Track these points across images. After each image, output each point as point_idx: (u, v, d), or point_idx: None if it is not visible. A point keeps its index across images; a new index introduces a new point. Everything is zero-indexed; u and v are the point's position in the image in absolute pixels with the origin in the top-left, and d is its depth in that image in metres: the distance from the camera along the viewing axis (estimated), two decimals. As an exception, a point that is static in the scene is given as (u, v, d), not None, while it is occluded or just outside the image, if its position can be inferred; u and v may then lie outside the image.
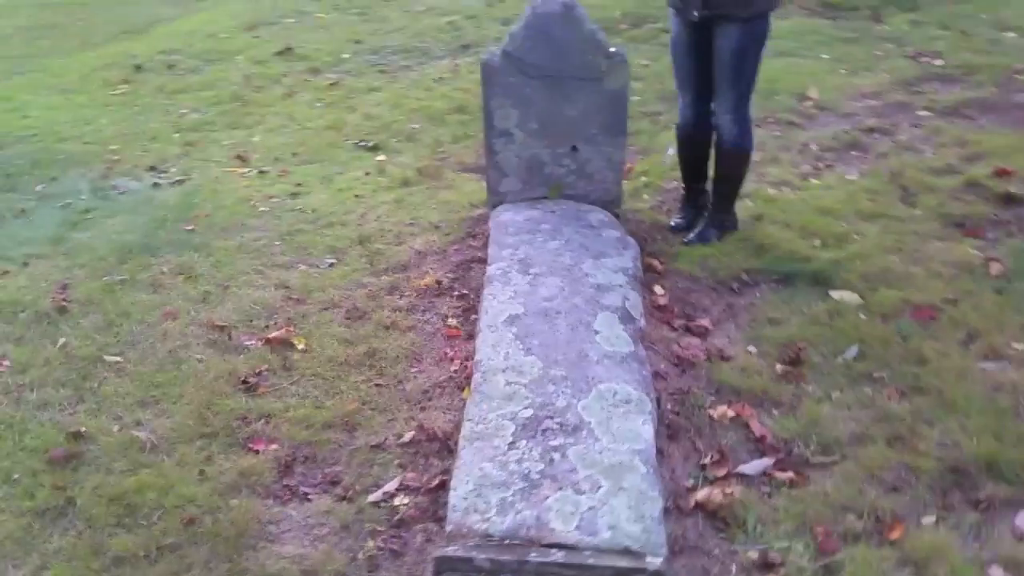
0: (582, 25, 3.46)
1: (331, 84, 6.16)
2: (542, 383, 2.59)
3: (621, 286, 3.07)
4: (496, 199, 3.81)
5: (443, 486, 2.32)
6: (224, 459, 2.52)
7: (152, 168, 4.82)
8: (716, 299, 3.23)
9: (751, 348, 2.93)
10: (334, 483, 2.43)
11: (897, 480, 2.32)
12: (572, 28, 3.46)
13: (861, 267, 3.30)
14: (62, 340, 3.13)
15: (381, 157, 4.78)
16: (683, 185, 3.83)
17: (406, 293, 3.36)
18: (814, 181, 4.12)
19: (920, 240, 3.49)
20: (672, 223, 3.77)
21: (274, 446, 2.57)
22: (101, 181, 4.64)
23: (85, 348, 3.09)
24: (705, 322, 3.08)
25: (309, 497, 2.38)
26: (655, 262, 3.45)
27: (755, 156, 4.39)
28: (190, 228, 3.99)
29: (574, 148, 3.68)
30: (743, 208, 3.82)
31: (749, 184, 4.07)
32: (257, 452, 2.54)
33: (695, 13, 3.23)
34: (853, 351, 2.85)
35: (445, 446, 2.52)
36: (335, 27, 7.68)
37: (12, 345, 3.12)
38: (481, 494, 2.21)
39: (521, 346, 2.77)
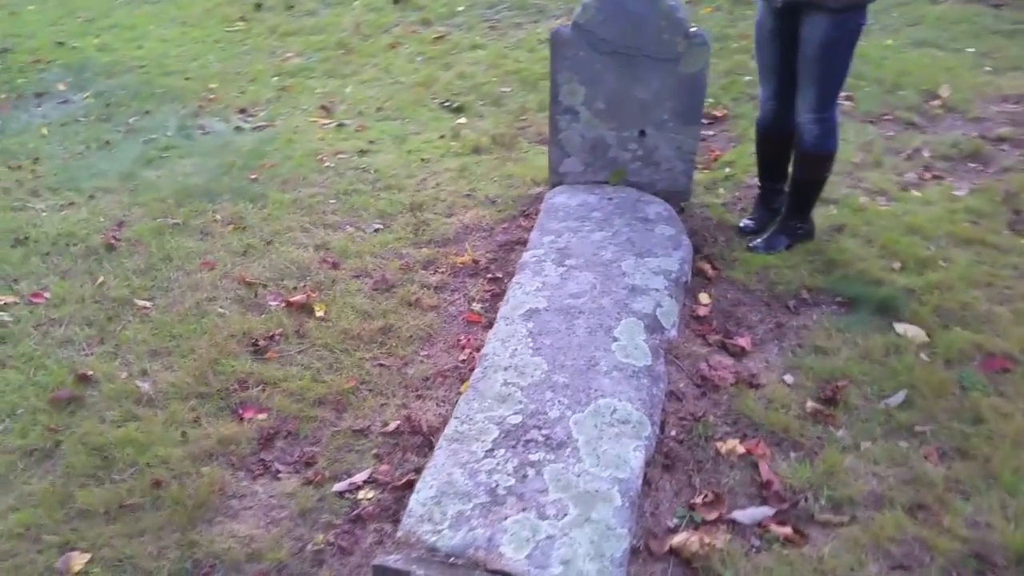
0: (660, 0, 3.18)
1: (437, 37, 6.06)
2: (540, 388, 2.43)
3: (658, 290, 2.85)
4: (556, 179, 3.62)
5: (411, 485, 2.22)
6: (210, 423, 2.50)
7: (242, 111, 4.89)
8: (765, 316, 2.94)
9: (787, 377, 2.65)
10: (308, 464, 2.37)
11: (907, 556, 2.04)
12: (649, 2, 3.19)
13: (937, 300, 2.91)
14: (101, 278, 3.20)
15: (462, 120, 4.66)
16: (759, 184, 3.51)
17: (440, 269, 3.25)
18: (914, 193, 3.68)
19: (1017, 276, 3.05)
20: (741, 224, 3.46)
21: (262, 415, 2.53)
22: (190, 119, 4.74)
23: (120, 289, 3.15)
24: (744, 341, 2.81)
25: (279, 475, 2.33)
26: (708, 266, 3.18)
27: (856, 158, 4.02)
28: (253, 177, 4.01)
29: (642, 133, 3.43)
30: (824, 216, 3.47)
31: (841, 189, 3.71)
32: (243, 420, 2.51)
33: (779, -1, 2.90)
34: (900, 397, 2.52)
35: (427, 441, 2.41)
36: (458, -23, 7.55)
37: (57, 278, 3.23)
38: (441, 502, 2.09)
39: (531, 344, 2.61)
